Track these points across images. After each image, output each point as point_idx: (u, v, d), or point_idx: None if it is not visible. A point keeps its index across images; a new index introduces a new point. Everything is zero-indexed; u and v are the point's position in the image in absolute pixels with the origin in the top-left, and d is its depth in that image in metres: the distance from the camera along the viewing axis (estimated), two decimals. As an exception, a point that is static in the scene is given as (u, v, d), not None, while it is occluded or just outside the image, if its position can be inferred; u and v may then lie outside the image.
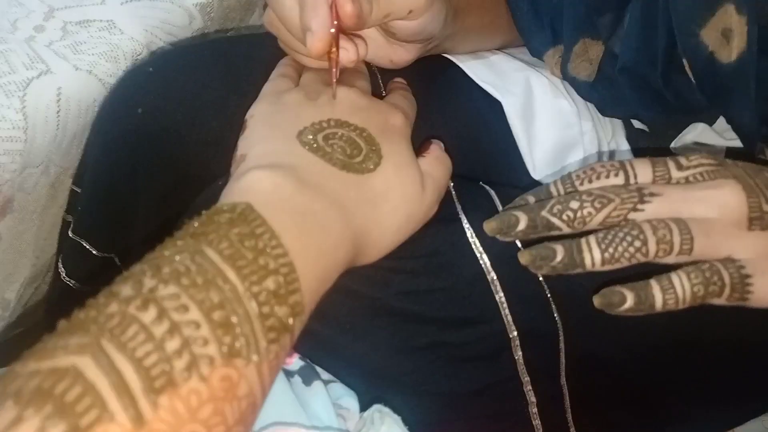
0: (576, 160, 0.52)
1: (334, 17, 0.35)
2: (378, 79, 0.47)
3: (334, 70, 0.37)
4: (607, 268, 0.33)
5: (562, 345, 0.41)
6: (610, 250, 0.32)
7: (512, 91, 0.50)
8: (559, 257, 0.33)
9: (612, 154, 0.54)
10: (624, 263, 0.32)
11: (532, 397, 0.42)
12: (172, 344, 0.22)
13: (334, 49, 0.36)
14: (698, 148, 0.47)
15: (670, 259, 0.33)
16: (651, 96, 0.47)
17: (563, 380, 0.42)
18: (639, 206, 0.33)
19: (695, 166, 0.34)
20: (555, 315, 0.40)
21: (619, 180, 0.35)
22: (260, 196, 0.28)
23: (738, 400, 0.48)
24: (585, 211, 0.33)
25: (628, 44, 0.46)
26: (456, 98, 0.49)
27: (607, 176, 0.35)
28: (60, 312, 0.53)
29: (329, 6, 0.35)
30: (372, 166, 0.34)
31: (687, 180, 0.34)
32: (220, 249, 0.25)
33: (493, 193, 0.43)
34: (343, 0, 0.34)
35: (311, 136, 0.34)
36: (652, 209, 0.33)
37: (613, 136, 0.55)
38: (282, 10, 0.37)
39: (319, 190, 0.31)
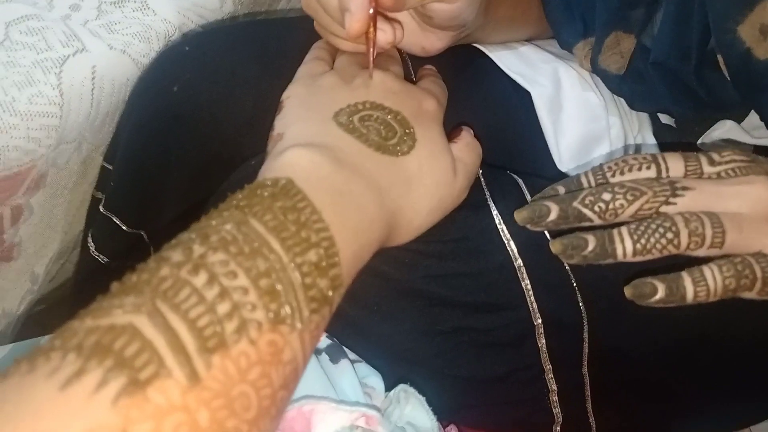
0: (602, 154, 0.52)
1: None
2: (409, 66, 0.47)
3: (371, 50, 0.38)
4: (639, 259, 0.33)
5: (585, 335, 0.41)
6: (642, 241, 0.32)
7: (541, 82, 0.50)
8: (590, 247, 0.33)
9: (638, 149, 0.54)
10: (655, 255, 0.33)
11: (553, 385, 0.42)
12: (223, 307, 0.22)
13: (371, 30, 0.37)
14: (727, 145, 0.46)
15: (701, 252, 0.33)
16: (682, 91, 0.47)
17: (585, 370, 0.43)
18: (671, 199, 0.33)
19: (727, 162, 0.35)
20: (580, 304, 0.40)
21: (651, 173, 0.35)
22: (300, 172, 0.29)
23: (759, 397, 0.48)
24: (617, 203, 0.33)
25: (661, 38, 0.46)
26: (485, 87, 0.50)
27: (639, 168, 0.35)
28: (89, 287, 0.55)
29: None
30: (406, 149, 0.35)
31: (719, 175, 0.34)
32: (264, 221, 0.25)
33: (521, 181, 0.44)
34: None
35: (347, 117, 0.35)
36: (684, 203, 0.33)
37: (640, 130, 0.55)
38: None
39: (355, 170, 0.31)
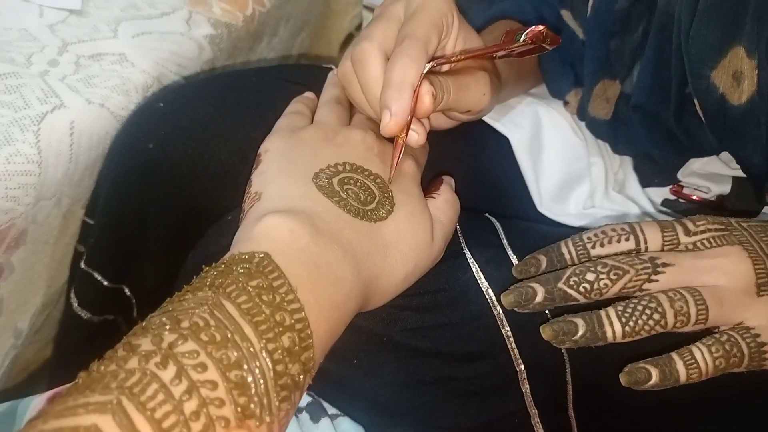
0: (582, 193, 0.53)
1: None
2: None
3: (398, 153, 0.37)
4: (628, 340, 0.34)
5: (569, 377, 0.41)
6: (631, 323, 0.34)
7: (520, 123, 0.50)
8: (581, 331, 0.34)
9: (622, 186, 0.54)
10: (643, 335, 0.34)
11: (540, 430, 0.41)
12: (190, 405, 0.22)
13: (402, 132, 0.37)
14: (700, 215, 0.46)
15: (686, 329, 0.34)
16: (663, 135, 0.48)
17: (571, 411, 0.42)
18: (653, 277, 0.34)
19: (702, 231, 0.36)
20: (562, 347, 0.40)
21: (630, 244, 0.37)
22: (277, 244, 0.29)
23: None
24: (601, 283, 0.35)
25: (641, 82, 0.47)
26: (464, 132, 0.50)
27: (618, 240, 0.37)
28: (72, 342, 0.54)
29: (414, 92, 0.36)
30: (384, 214, 0.34)
31: (695, 245, 0.36)
32: (238, 303, 0.25)
33: (498, 225, 0.44)
34: (425, 91, 0.36)
35: (327, 180, 0.34)
36: (665, 279, 0.35)
37: (621, 166, 0.55)
38: (366, 77, 0.38)
39: (333, 240, 0.31)
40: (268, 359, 0.24)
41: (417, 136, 0.38)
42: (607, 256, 0.37)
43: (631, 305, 0.34)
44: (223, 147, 0.46)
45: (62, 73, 0.54)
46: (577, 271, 0.35)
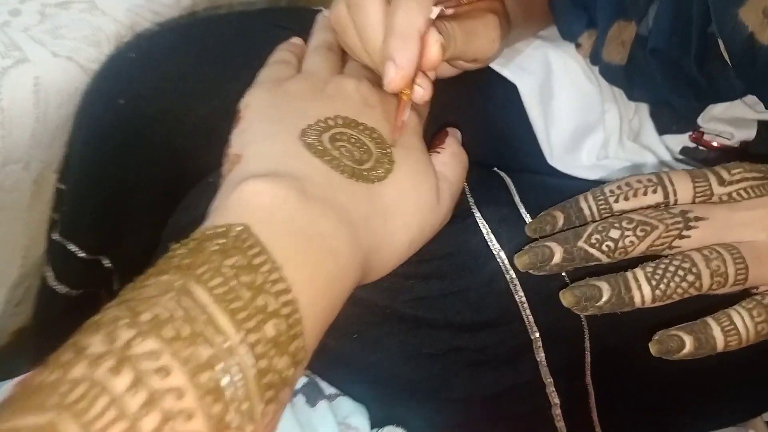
0: (596, 143, 0.49)
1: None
2: None
3: (404, 110, 0.33)
4: (658, 304, 0.31)
5: (587, 343, 0.38)
6: (662, 286, 0.31)
7: (529, 69, 0.46)
8: (605, 296, 0.31)
9: (637, 134, 0.50)
10: (676, 299, 0.31)
11: (555, 399, 0.39)
12: (149, 422, 0.18)
13: (407, 87, 0.33)
14: (736, 162, 0.42)
15: (723, 291, 0.31)
16: (683, 81, 0.43)
17: (588, 379, 0.40)
18: (684, 232, 0.31)
19: (738, 181, 0.33)
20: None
21: (658, 197, 0.33)
22: (259, 213, 0.24)
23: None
24: (627, 241, 0.31)
25: (659, 26, 0.42)
26: (468, 80, 0.46)
27: (645, 193, 0.33)
28: (50, 319, 0.51)
29: (420, 41, 0.32)
30: (383, 174, 0.30)
31: (730, 196, 0.33)
32: (211, 287, 0.21)
33: (509, 180, 0.40)
34: (434, 40, 0.32)
35: (317, 137, 0.30)
36: (698, 235, 0.31)
37: (636, 112, 0.51)
38: (364, 22, 0.34)
39: (326, 205, 0.27)
40: (248, 354, 0.20)
41: (422, 91, 0.33)
42: (632, 210, 0.34)
43: (662, 266, 0.31)
44: (204, 101, 0.41)
45: (25, 23, 0.49)
46: (600, 228, 0.32)
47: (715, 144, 0.50)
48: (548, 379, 0.38)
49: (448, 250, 0.35)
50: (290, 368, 0.22)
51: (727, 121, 0.49)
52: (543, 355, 0.37)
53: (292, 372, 0.22)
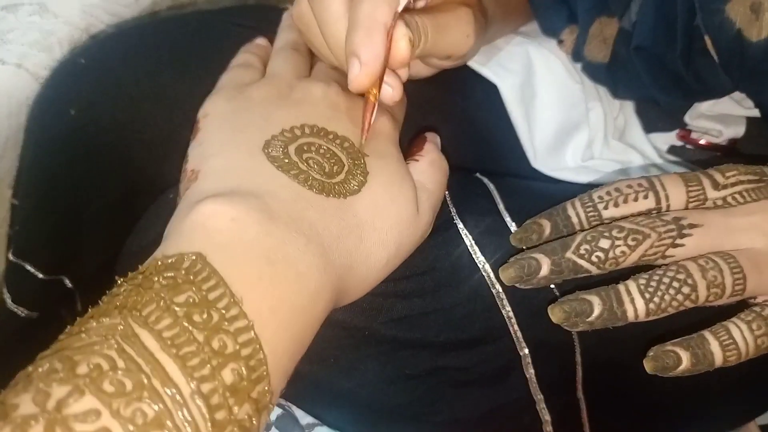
0: (580, 142, 0.47)
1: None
2: None
3: (371, 113, 0.30)
4: (652, 318, 0.29)
5: (578, 357, 0.37)
6: (656, 299, 0.29)
7: (510, 68, 0.44)
8: (596, 311, 0.30)
9: (622, 133, 0.48)
10: (671, 312, 0.29)
11: (546, 416, 0.37)
12: None
13: (374, 87, 0.30)
14: (730, 164, 0.40)
15: (720, 302, 0.30)
16: (669, 79, 0.42)
17: (580, 393, 0.38)
18: (678, 241, 0.30)
19: (733, 184, 0.31)
20: None
21: (649, 202, 0.32)
22: (216, 238, 0.22)
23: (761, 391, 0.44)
24: (618, 251, 0.30)
25: (643, 21, 0.40)
26: (446, 80, 0.43)
27: (635, 198, 0.32)
28: (9, 345, 0.48)
29: (387, 35, 0.29)
30: (356, 186, 0.28)
31: (725, 200, 0.31)
32: (158, 330, 0.19)
33: (492, 186, 0.38)
34: (401, 35, 0.29)
35: (282, 149, 0.27)
36: (693, 243, 0.30)
37: (621, 109, 0.49)
38: (326, 16, 0.31)
39: (292, 226, 0.24)
40: (202, 407, 0.18)
41: (392, 91, 0.31)
42: (623, 217, 0.32)
43: (656, 277, 0.30)
44: (160, 108, 0.38)
45: (-31, 28, 0.46)
46: (588, 237, 0.30)
47: (702, 142, 0.49)
48: (538, 396, 0.37)
49: (429, 265, 0.33)
50: (254, 416, 0.20)
51: (715, 118, 0.48)
52: (533, 371, 0.36)
53: (255, 420, 0.20)
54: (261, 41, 0.38)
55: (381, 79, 0.30)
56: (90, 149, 0.39)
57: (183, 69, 0.39)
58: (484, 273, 0.34)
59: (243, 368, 0.19)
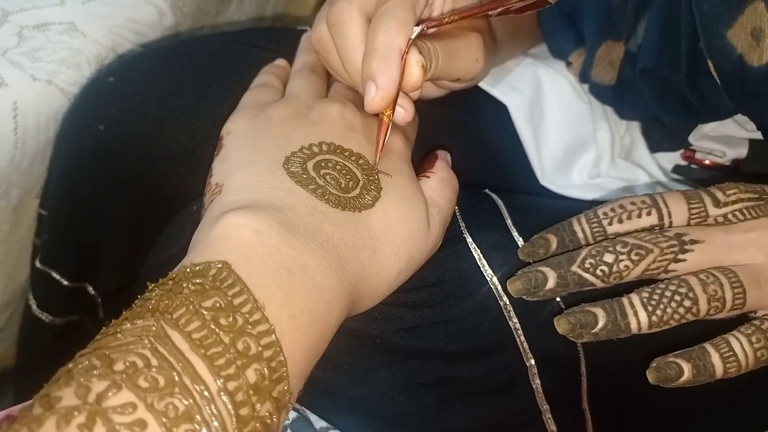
0: (587, 161, 0.48)
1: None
2: None
3: (384, 133, 0.32)
4: (655, 331, 0.30)
5: (583, 369, 0.38)
6: (658, 312, 0.30)
7: (519, 88, 0.45)
8: (601, 323, 0.30)
9: (629, 152, 0.50)
10: (673, 324, 0.30)
11: (552, 426, 0.38)
12: None
13: (389, 109, 0.32)
14: (731, 183, 0.41)
15: (721, 316, 0.30)
16: (674, 99, 0.43)
17: (585, 405, 0.39)
18: (680, 256, 0.31)
19: (734, 202, 0.32)
20: None
21: (652, 219, 0.33)
22: (240, 249, 0.23)
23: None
24: (621, 265, 0.31)
25: (648, 45, 0.42)
26: (457, 100, 0.45)
27: (639, 215, 0.33)
28: (34, 349, 0.50)
29: (401, 61, 0.31)
30: (370, 201, 0.29)
31: (726, 218, 0.32)
32: (188, 332, 0.20)
33: (500, 202, 0.39)
34: (414, 61, 0.31)
35: (300, 166, 0.29)
36: (694, 258, 0.31)
37: (627, 130, 0.51)
38: (345, 42, 0.33)
39: (310, 237, 0.26)
40: (228, 403, 0.19)
41: (404, 112, 0.33)
42: (627, 233, 0.33)
43: (658, 291, 0.30)
44: (183, 125, 0.40)
45: (2, 46, 0.48)
46: (593, 252, 0.31)
47: (707, 162, 0.50)
48: (544, 406, 0.37)
49: (439, 277, 0.34)
50: (274, 414, 0.21)
51: (718, 139, 0.49)
52: (539, 382, 0.36)
53: (276, 418, 0.21)
54: (281, 62, 0.40)
55: (395, 102, 0.32)
56: (116, 163, 0.40)
57: (205, 88, 0.41)
58: (491, 286, 0.35)
59: (265, 369, 0.21)
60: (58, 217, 0.43)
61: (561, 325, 0.32)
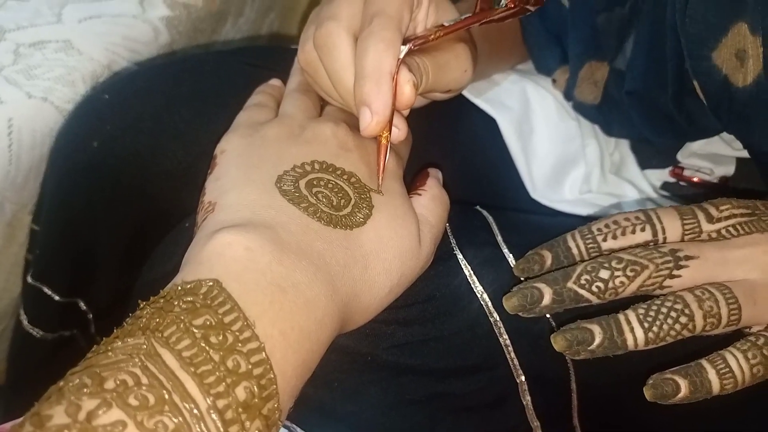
0: (577, 176, 0.49)
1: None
2: None
3: (383, 155, 0.32)
4: (651, 347, 0.30)
5: (573, 385, 0.38)
6: (655, 328, 0.30)
7: (508, 104, 0.46)
8: (597, 340, 0.30)
9: (618, 168, 0.50)
10: (669, 341, 0.30)
11: (542, 442, 0.38)
12: None
13: (386, 130, 0.32)
14: (723, 198, 0.41)
15: (716, 332, 0.30)
16: (661, 120, 0.43)
17: (575, 421, 0.39)
18: (675, 272, 0.31)
19: (727, 217, 0.32)
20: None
21: (646, 235, 0.33)
22: (231, 266, 0.24)
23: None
24: (617, 281, 0.31)
25: (635, 66, 0.42)
26: (447, 115, 0.45)
27: (633, 231, 0.33)
28: (24, 364, 0.49)
29: (394, 83, 0.31)
30: (362, 219, 0.30)
31: (719, 233, 0.32)
32: (178, 350, 0.20)
33: (491, 219, 0.39)
34: (405, 80, 0.31)
35: (293, 184, 0.29)
36: (689, 275, 0.31)
37: (617, 146, 0.51)
38: (334, 65, 0.33)
39: (302, 255, 0.26)
40: (218, 421, 0.20)
41: (398, 132, 0.33)
42: (621, 249, 0.33)
43: (654, 307, 0.30)
44: (178, 142, 0.40)
45: (-2, 63, 0.48)
46: (589, 268, 0.31)
47: (695, 179, 0.50)
48: (535, 423, 0.37)
49: (429, 294, 0.34)
50: (264, 431, 0.21)
51: (706, 157, 0.49)
52: (529, 398, 0.37)
53: None
54: (275, 82, 0.41)
55: (390, 123, 0.32)
56: (110, 179, 0.41)
57: (199, 105, 0.41)
58: (482, 302, 0.35)
59: (255, 386, 0.21)
60: (51, 232, 0.43)
61: (558, 342, 0.32)
